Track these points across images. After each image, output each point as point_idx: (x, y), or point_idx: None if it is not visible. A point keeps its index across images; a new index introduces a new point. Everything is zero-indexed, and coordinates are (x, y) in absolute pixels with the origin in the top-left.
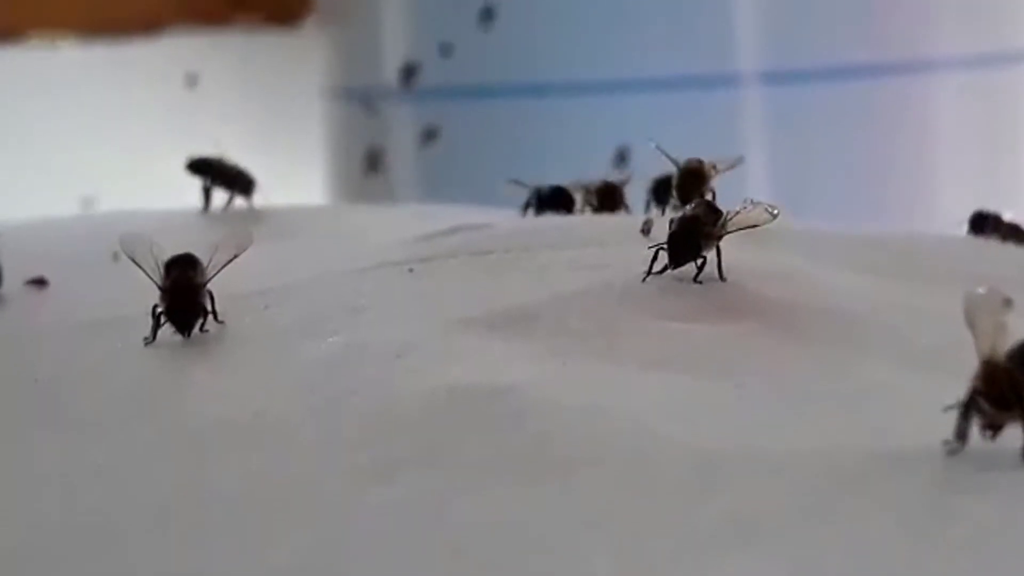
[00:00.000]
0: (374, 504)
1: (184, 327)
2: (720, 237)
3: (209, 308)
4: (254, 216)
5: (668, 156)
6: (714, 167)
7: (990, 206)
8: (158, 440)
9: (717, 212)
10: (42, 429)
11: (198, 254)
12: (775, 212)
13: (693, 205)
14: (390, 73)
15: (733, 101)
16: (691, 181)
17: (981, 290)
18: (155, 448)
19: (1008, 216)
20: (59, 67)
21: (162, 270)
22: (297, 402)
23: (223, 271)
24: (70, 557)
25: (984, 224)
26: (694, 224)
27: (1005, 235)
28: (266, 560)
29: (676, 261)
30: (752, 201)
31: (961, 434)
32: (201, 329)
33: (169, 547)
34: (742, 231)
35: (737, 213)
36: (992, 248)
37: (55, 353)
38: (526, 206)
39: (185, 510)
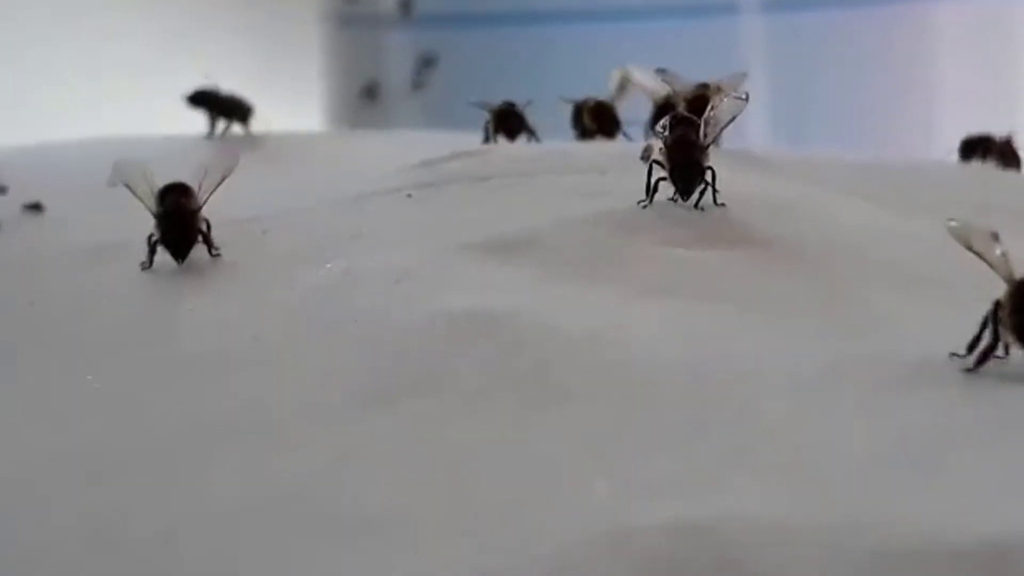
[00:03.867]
0: (373, 429)
1: (179, 254)
2: (710, 146)
3: (205, 234)
4: (252, 142)
5: (670, 83)
6: (719, 88)
7: (990, 131)
8: (155, 365)
9: (697, 123)
10: (38, 354)
11: (186, 179)
12: (745, 96)
13: (671, 125)
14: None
15: (733, 28)
16: (698, 107)
17: (954, 223)
18: (152, 373)
19: (999, 137)
20: None
21: (156, 197)
22: (295, 328)
23: (218, 196)
24: (66, 482)
25: (974, 149)
26: (691, 148)
27: (997, 157)
28: (265, 484)
29: (687, 191)
30: (719, 95)
31: (980, 354)
32: (210, 253)
33: (166, 471)
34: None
35: (711, 110)
36: (991, 174)
37: (52, 278)
38: (486, 134)
39: (183, 435)
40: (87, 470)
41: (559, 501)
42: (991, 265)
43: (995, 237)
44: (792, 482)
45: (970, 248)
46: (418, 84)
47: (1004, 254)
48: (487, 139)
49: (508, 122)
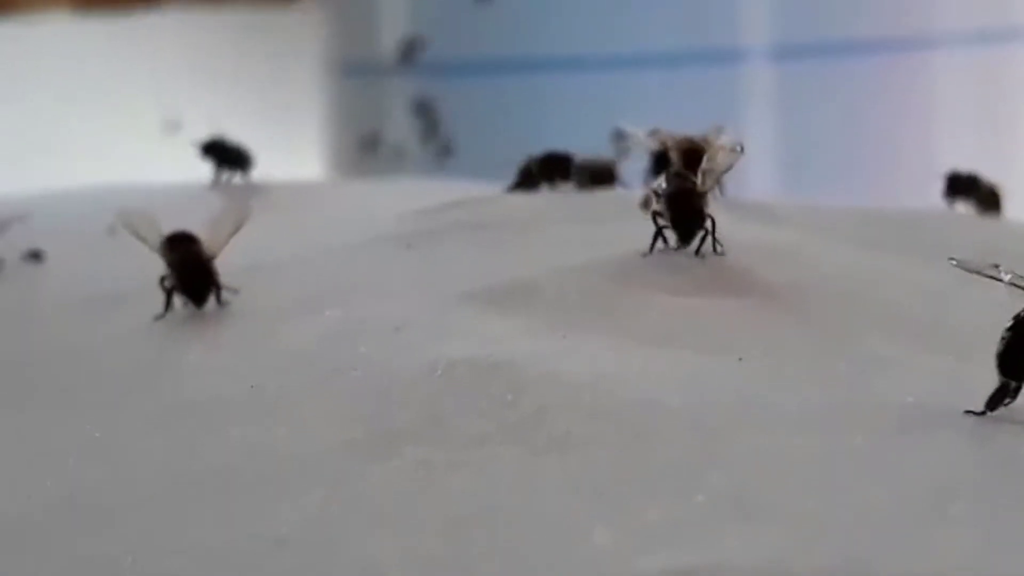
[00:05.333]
0: (373, 477)
1: (199, 300)
2: (707, 193)
3: (218, 281)
4: (252, 191)
5: (639, 137)
6: (707, 140)
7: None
8: (155, 414)
9: (693, 176)
10: (39, 404)
11: (196, 228)
12: (740, 148)
13: (670, 178)
14: (389, 48)
15: (737, 77)
16: (690, 159)
17: (954, 262)
18: (152, 422)
19: (985, 179)
20: (56, 41)
21: (163, 245)
22: (295, 376)
23: (224, 246)
24: (66, 530)
25: (959, 186)
26: (690, 197)
27: (980, 198)
28: (263, 532)
29: (686, 238)
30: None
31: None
32: (218, 301)
33: (166, 519)
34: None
35: (708, 165)
36: (988, 221)
37: (52, 327)
38: (520, 180)
39: (182, 483)
40: (86, 516)
41: (559, 548)
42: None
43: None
44: (790, 529)
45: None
46: (432, 137)
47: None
48: (522, 184)
49: (558, 167)
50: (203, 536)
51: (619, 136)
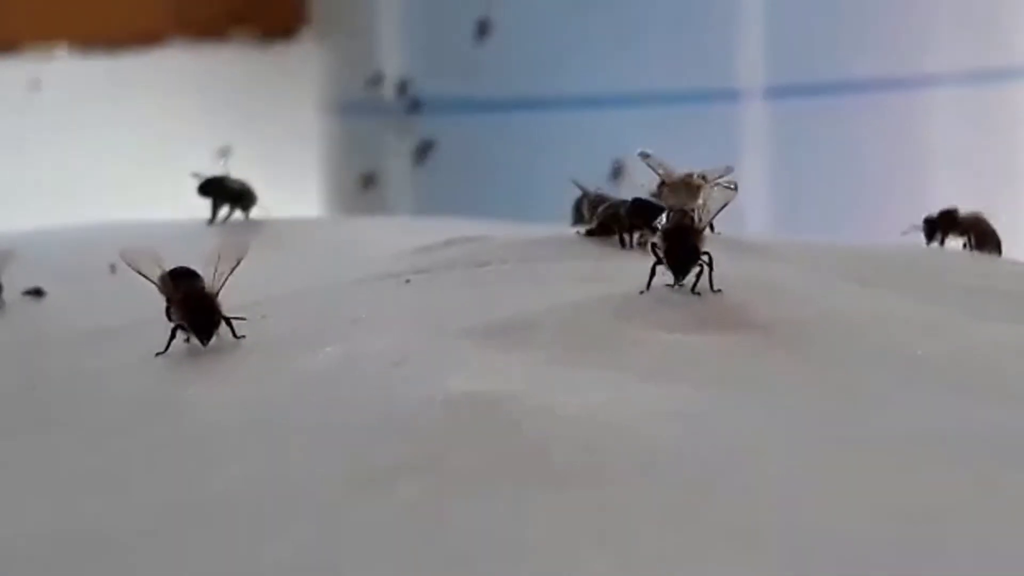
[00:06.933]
0: (371, 512)
1: (206, 336)
2: (703, 231)
3: (226, 317)
4: (251, 227)
5: (654, 168)
6: (704, 178)
7: (990, 220)
8: (154, 447)
9: (690, 212)
10: (38, 437)
11: (196, 265)
12: (734, 186)
13: (668, 216)
14: (386, 87)
15: (733, 115)
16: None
17: None
18: (151, 455)
19: (963, 212)
20: (55, 79)
21: (164, 282)
22: (293, 411)
23: (225, 281)
24: (65, 563)
25: (936, 228)
26: (686, 233)
27: (964, 231)
28: (261, 566)
29: (681, 273)
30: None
31: None
32: (234, 335)
33: (164, 552)
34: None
35: (704, 202)
36: (981, 259)
37: (52, 362)
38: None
39: (180, 516)
40: (83, 546)
41: None
42: None
43: None
44: (789, 562)
45: None
46: (422, 154)
47: None
48: (602, 230)
49: (647, 214)
50: (200, 566)
51: (619, 169)
